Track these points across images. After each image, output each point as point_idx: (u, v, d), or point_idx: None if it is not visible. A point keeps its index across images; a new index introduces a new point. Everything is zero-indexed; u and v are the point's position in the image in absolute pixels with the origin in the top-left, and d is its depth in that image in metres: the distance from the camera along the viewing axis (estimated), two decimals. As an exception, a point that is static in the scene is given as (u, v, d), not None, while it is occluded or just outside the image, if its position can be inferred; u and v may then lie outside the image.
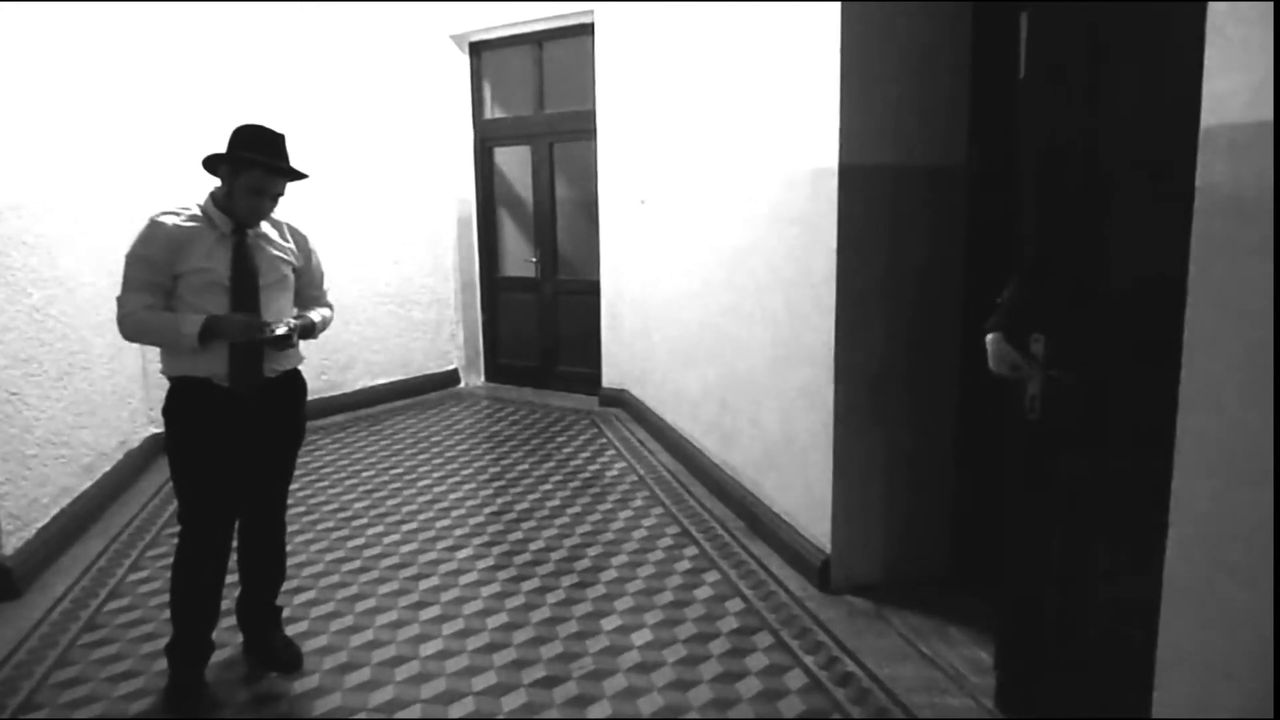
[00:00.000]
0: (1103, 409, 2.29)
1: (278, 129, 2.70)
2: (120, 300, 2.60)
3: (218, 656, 2.91)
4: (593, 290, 6.62)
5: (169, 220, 2.60)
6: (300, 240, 2.88)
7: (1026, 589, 2.55)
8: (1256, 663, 1.77)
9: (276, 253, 2.76)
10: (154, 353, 2.78)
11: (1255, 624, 1.77)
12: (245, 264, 2.66)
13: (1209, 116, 1.77)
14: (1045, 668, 2.50)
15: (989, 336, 2.47)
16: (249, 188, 2.61)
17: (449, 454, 5.39)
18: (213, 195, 2.68)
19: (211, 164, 2.68)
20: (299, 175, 2.71)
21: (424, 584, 3.57)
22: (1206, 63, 1.78)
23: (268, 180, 2.64)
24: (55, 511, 3.88)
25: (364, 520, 4.28)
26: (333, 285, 3.10)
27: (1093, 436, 2.31)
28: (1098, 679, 2.37)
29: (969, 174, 3.30)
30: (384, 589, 3.52)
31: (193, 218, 2.63)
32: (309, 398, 2.97)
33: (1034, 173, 2.46)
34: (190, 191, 2.73)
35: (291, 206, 3.04)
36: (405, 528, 4.18)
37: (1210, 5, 1.72)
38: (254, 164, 2.60)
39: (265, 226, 2.77)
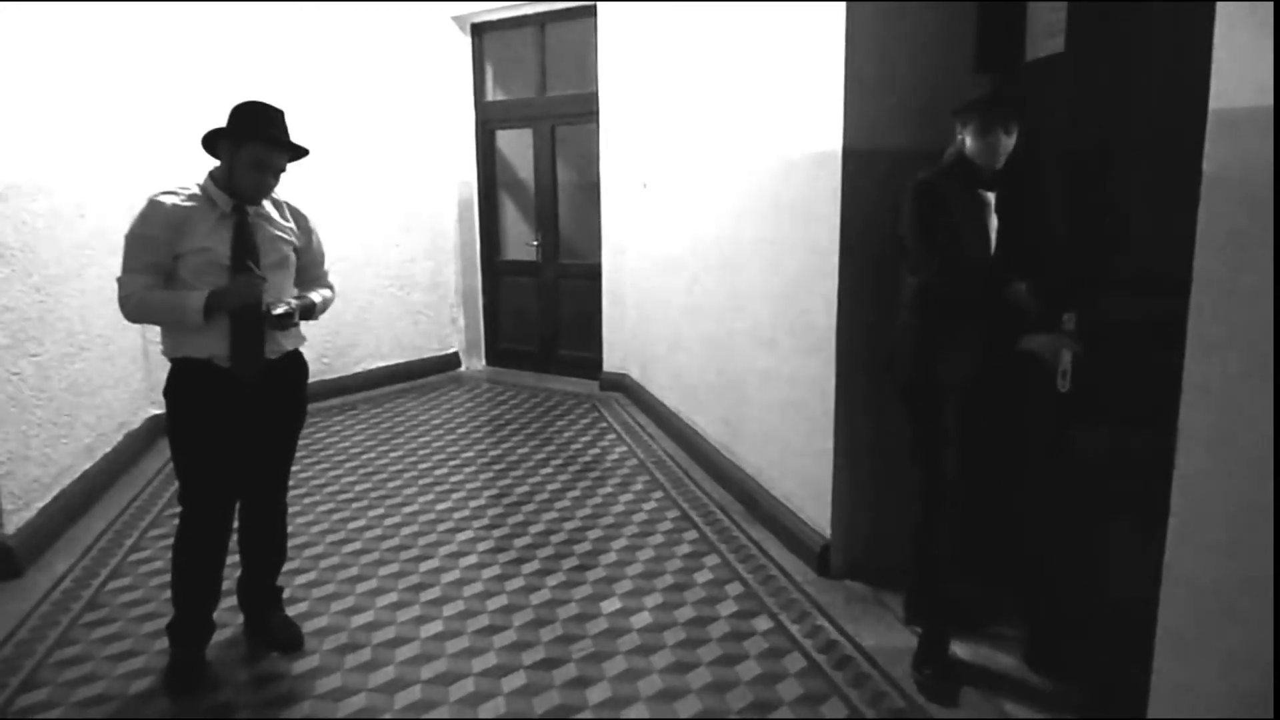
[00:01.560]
0: (1128, 386, 2.31)
1: (277, 106, 2.68)
2: (121, 281, 2.59)
3: (218, 636, 2.92)
4: (594, 274, 6.61)
5: (168, 200, 2.58)
6: (301, 220, 2.86)
7: (1048, 558, 2.66)
8: (1256, 656, 1.76)
9: (277, 232, 2.74)
10: (154, 334, 2.78)
11: (1254, 616, 1.77)
12: (246, 244, 2.64)
13: (1216, 101, 1.76)
14: (1069, 631, 2.63)
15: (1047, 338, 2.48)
16: (251, 163, 2.60)
17: (449, 437, 5.39)
18: (212, 174, 2.66)
19: (211, 142, 2.66)
20: (300, 150, 2.70)
21: (424, 566, 3.58)
22: (1215, 48, 1.77)
23: (269, 154, 2.62)
24: (56, 491, 3.89)
25: (365, 502, 4.28)
26: (333, 268, 3.09)
27: (1118, 412, 2.33)
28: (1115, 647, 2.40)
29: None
30: (384, 571, 3.54)
31: (192, 197, 2.62)
32: (309, 379, 2.97)
33: (1063, 157, 2.63)
34: (191, 171, 2.71)
35: (292, 188, 3.03)
36: (406, 510, 4.18)
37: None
38: (254, 137, 2.59)
39: (266, 206, 2.75)
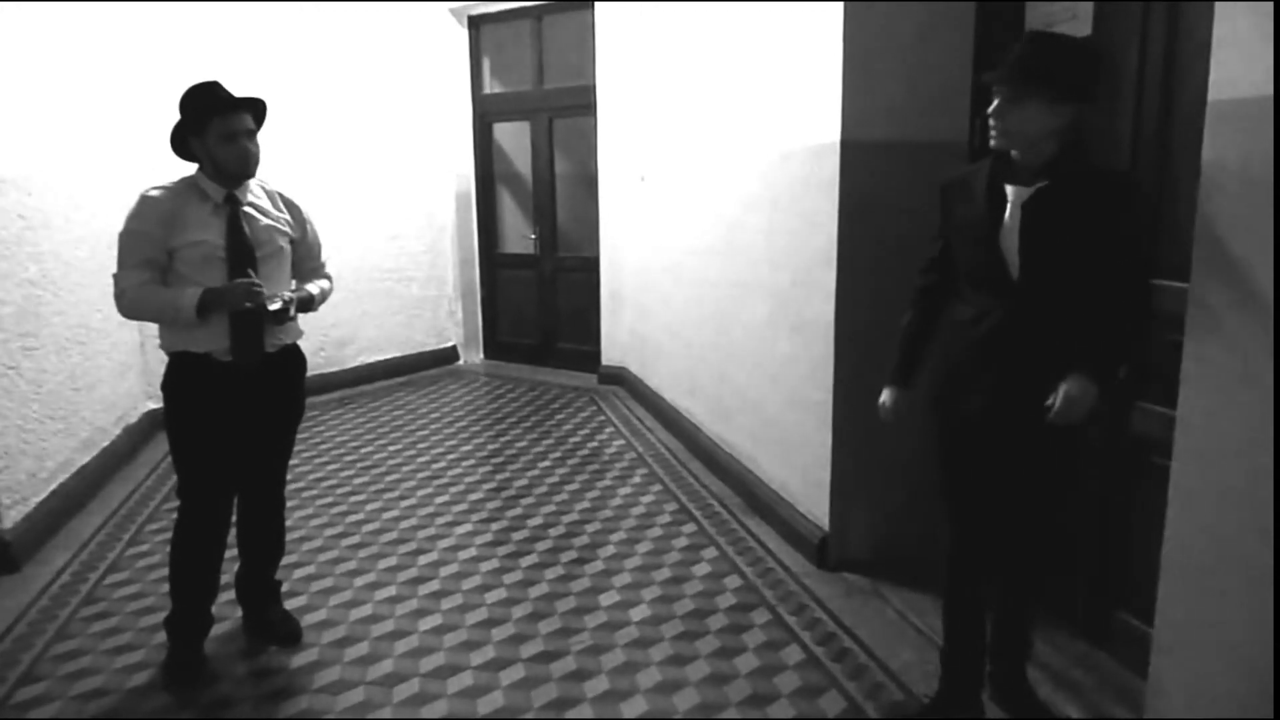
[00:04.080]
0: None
1: (209, 79, 2.65)
2: (116, 278, 2.58)
3: (217, 630, 2.92)
4: (592, 267, 6.60)
5: (160, 194, 2.58)
6: (294, 210, 2.85)
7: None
8: (1256, 655, 1.76)
9: (271, 223, 2.73)
10: (152, 328, 2.78)
11: (1254, 615, 1.76)
12: (241, 235, 2.63)
13: (1215, 92, 1.76)
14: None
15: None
16: (221, 137, 2.57)
17: (448, 431, 5.39)
18: (201, 169, 2.66)
19: (180, 144, 2.64)
20: (255, 101, 2.66)
21: (423, 559, 3.58)
22: (1214, 39, 1.77)
23: (232, 120, 2.58)
24: (54, 486, 3.88)
25: (363, 496, 4.28)
26: (330, 261, 3.08)
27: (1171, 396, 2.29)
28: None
29: (971, 149, 3.27)
30: (383, 564, 3.53)
31: (184, 191, 2.61)
32: (307, 373, 2.96)
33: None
34: (185, 165, 2.70)
35: (289, 179, 3.03)
36: (404, 504, 4.18)
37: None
38: (210, 113, 2.56)
39: (258, 196, 2.74)
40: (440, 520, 3.98)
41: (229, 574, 2.98)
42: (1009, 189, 2.16)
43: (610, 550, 3.66)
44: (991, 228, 2.16)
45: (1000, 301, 2.18)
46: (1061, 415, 2.02)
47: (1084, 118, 2.10)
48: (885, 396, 2.52)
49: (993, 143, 2.14)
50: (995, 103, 2.09)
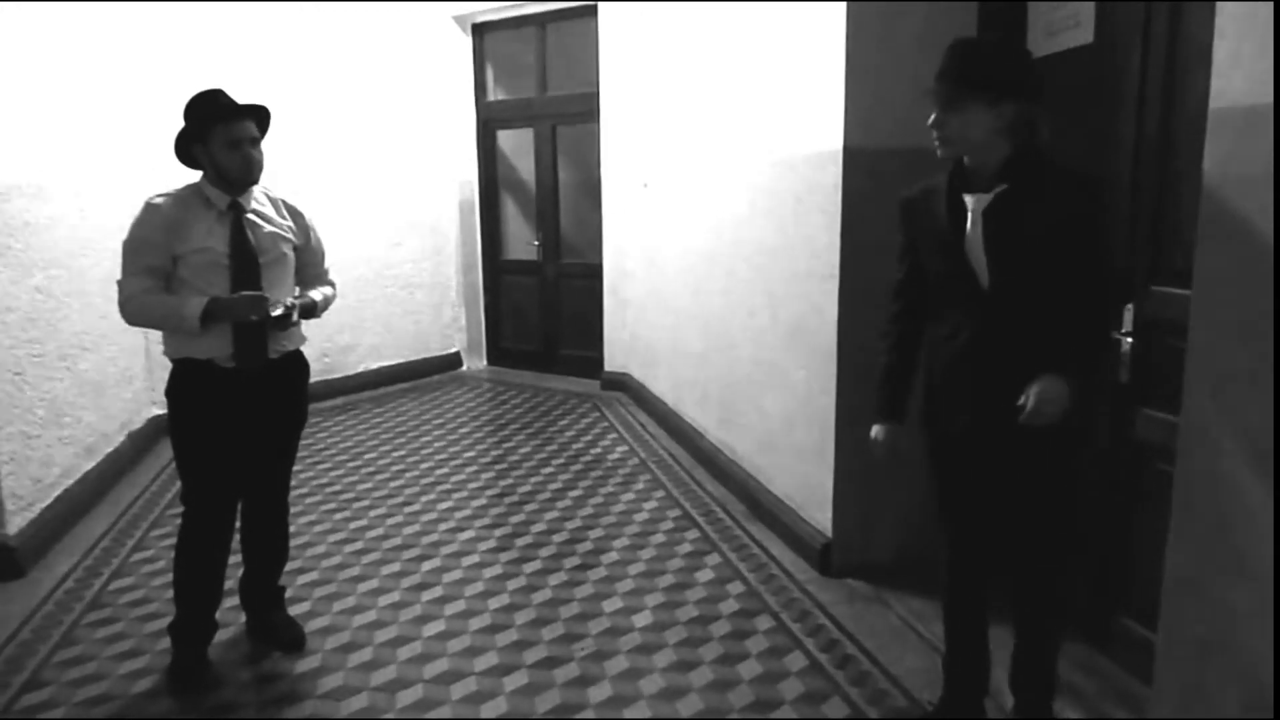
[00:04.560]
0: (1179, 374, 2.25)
1: (213, 86, 2.67)
2: (120, 285, 2.60)
3: (221, 636, 2.93)
4: (595, 273, 6.61)
5: (163, 202, 2.59)
6: (298, 217, 2.86)
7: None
8: (1258, 655, 1.76)
9: (274, 229, 2.74)
10: (157, 334, 2.79)
11: (1254, 615, 1.76)
12: (244, 242, 2.65)
13: (1217, 100, 1.76)
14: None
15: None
16: (226, 144, 2.58)
17: (451, 437, 5.39)
18: (205, 175, 2.67)
19: (185, 152, 2.66)
20: (259, 109, 2.68)
21: (426, 565, 3.58)
22: (1215, 47, 1.78)
23: (235, 127, 2.59)
24: (59, 492, 3.89)
25: (366, 502, 4.29)
26: (334, 267, 3.10)
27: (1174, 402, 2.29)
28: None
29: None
30: (386, 570, 3.54)
31: (188, 198, 2.63)
32: (310, 380, 2.97)
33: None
34: (190, 171, 2.72)
35: (294, 186, 3.04)
36: (408, 510, 4.19)
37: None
38: (214, 120, 2.58)
39: (262, 203, 2.75)
40: (443, 526, 3.99)
41: (233, 579, 2.99)
42: (968, 198, 2.13)
43: (613, 556, 3.67)
44: (956, 238, 2.13)
45: (973, 314, 2.15)
46: (1033, 415, 1.99)
47: (1032, 118, 2.07)
48: (876, 431, 2.48)
49: (939, 153, 2.13)
50: (934, 114, 2.08)
